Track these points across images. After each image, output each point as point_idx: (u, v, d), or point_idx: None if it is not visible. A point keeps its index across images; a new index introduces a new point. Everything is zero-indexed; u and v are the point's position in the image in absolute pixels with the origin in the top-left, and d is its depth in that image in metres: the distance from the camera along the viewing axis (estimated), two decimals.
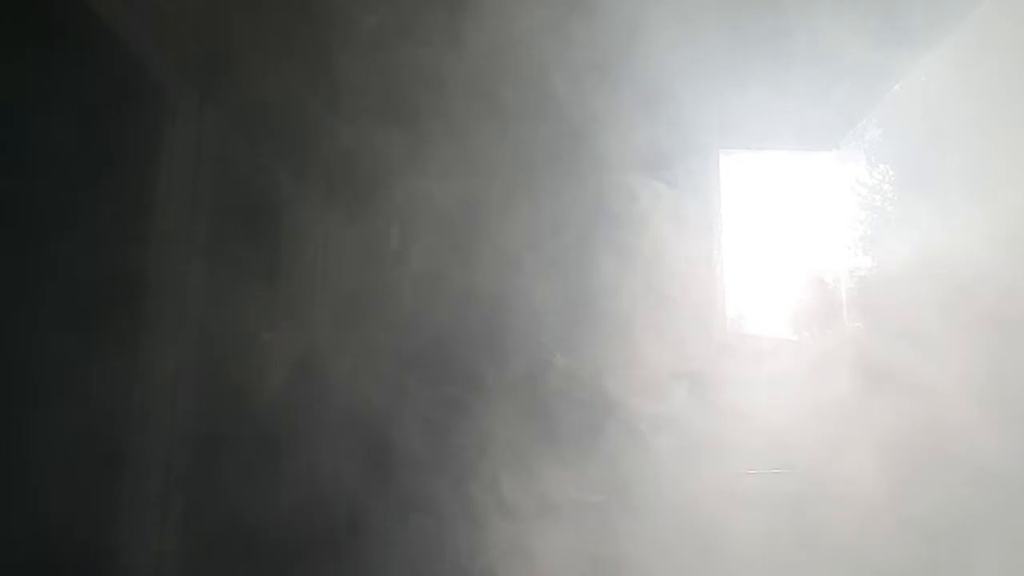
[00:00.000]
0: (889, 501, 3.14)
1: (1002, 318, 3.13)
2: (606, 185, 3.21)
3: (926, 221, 3.49)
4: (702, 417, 3.11)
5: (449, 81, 3.01)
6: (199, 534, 2.63)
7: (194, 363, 2.70)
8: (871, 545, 3.04)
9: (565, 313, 3.13)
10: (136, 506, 2.51)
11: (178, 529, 2.58)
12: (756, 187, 3.87)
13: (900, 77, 3.58)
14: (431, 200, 3.03)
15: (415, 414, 2.84)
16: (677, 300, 3.22)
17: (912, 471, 3.13)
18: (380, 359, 2.91)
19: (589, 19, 3.07)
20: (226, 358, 2.77)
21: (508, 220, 3.03)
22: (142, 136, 2.61)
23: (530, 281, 3.04)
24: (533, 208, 3.12)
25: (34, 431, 2.12)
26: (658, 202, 3.25)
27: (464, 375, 2.95)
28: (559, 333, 3.11)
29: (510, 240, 3.03)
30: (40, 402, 2.17)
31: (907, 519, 3.02)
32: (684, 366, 3.15)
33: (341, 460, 2.82)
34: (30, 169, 2.28)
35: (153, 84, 2.65)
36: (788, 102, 3.46)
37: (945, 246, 3.34)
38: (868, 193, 3.96)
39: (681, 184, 3.31)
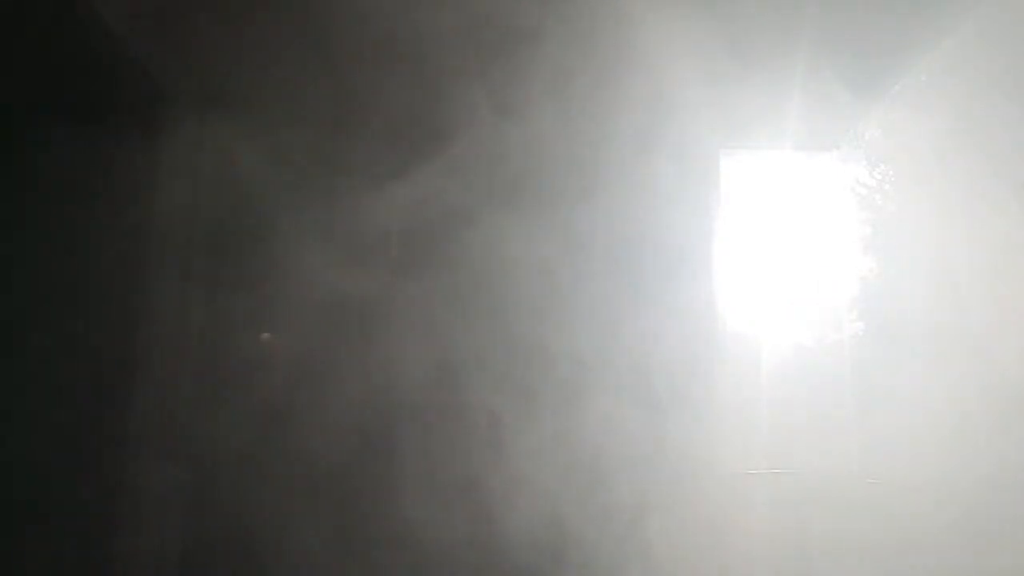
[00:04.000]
0: (888, 500, 3.14)
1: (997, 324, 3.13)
2: (604, 186, 3.22)
3: (926, 221, 3.49)
4: (701, 417, 3.11)
5: (461, 89, 3.01)
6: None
7: (193, 367, 2.71)
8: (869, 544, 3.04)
9: (564, 312, 3.13)
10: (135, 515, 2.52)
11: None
12: (756, 187, 3.86)
13: (900, 77, 3.57)
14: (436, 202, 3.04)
15: None
16: (676, 300, 3.22)
17: (912, 470, 3.14)
18: (382, 366, 2.91)
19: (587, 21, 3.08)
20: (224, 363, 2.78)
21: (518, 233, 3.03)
22: (142, 140, 2.61)
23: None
24: (536, 217, 3.13)
25: (34, 435, 2.12)
26: (658, 202, 3.25)
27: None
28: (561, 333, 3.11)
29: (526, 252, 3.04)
30: (40, 406, 2.17)
31: (907, 519, 3.02)
32: (684, 366, 3.15)
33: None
34: (29, 170, 2.28)
35: (153, 87, 2.66)
36: (788, 102, 3.46)
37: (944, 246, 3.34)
38: (868, 193, 3.96)
39: (681, 184, 3.31)
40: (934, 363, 3.23)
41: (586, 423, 2.97)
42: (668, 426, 3.03)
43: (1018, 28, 3.30)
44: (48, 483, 2.17)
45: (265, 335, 3.03)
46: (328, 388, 2.86)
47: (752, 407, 3.40)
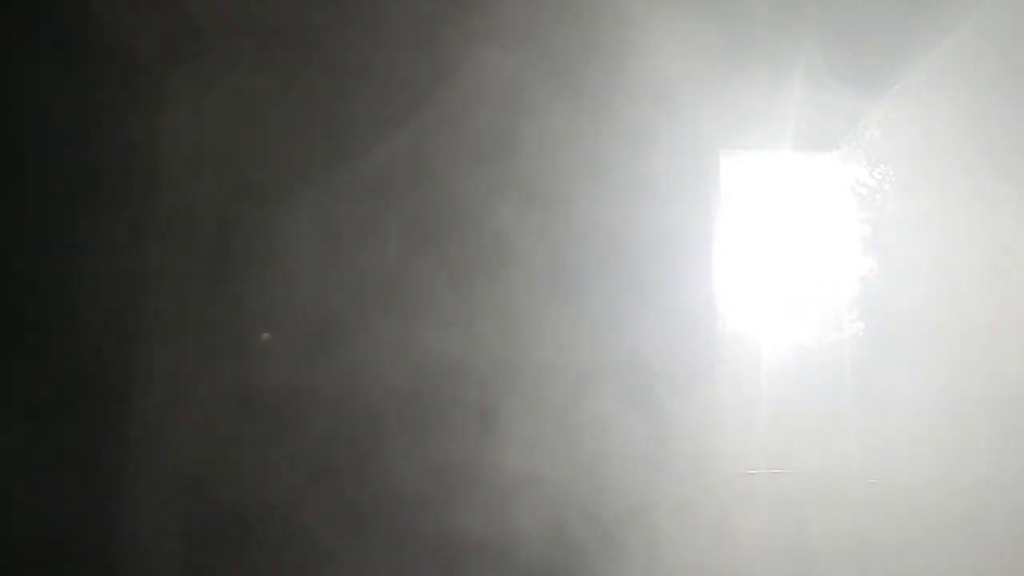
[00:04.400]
0: (888, 500, 3.14)
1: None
2: (605, 186, 3.22)
3: (926, 221, 3.49)
4: (701, 417, 3.11)
5: (462, 71, 3.01)
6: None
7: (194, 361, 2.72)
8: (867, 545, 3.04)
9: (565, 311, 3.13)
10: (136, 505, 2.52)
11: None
12: (756, 187, 3.86)
13: (900, 77, 3.57)
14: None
15: None
16: (677, 300, 3.22)
17: (912, 470, 3.14)
18: (380, 359, 2.91)
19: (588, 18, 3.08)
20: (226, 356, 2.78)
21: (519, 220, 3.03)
22: (141, 133, 2.61)
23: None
24: (536, 216, 3.13)
25: (33, 431, 2.12)
26: (658, 202, 3.25)
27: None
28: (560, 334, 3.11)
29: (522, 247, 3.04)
30: (39, 399, 2.17)
31: (907, 519, 3.02)
32: (684, 366, 3.15)
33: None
34: (29, 167, 2.28)
35: (151, 82, 2.66)
36: (788, 102, 3.46)
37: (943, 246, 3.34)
38: (868, 193, 3.96)
39: (681, 184, 3.31)
40: (934, 363, 3.23)
41: (586, 423, 2.96)
42: (668, 426, 3.02)
43: (1018, 28, 3.31)
44: (48, 477, 2.17)
45: (265, 335, 3.03)
46: (326, 381, 2.86)
47: (752, 407, 3.39)
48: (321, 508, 2.76)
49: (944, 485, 3.01)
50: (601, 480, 2.92)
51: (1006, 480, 3.02)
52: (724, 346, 3.46)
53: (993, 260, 3.31)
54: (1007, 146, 3.33)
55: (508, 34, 3.01)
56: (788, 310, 3.76)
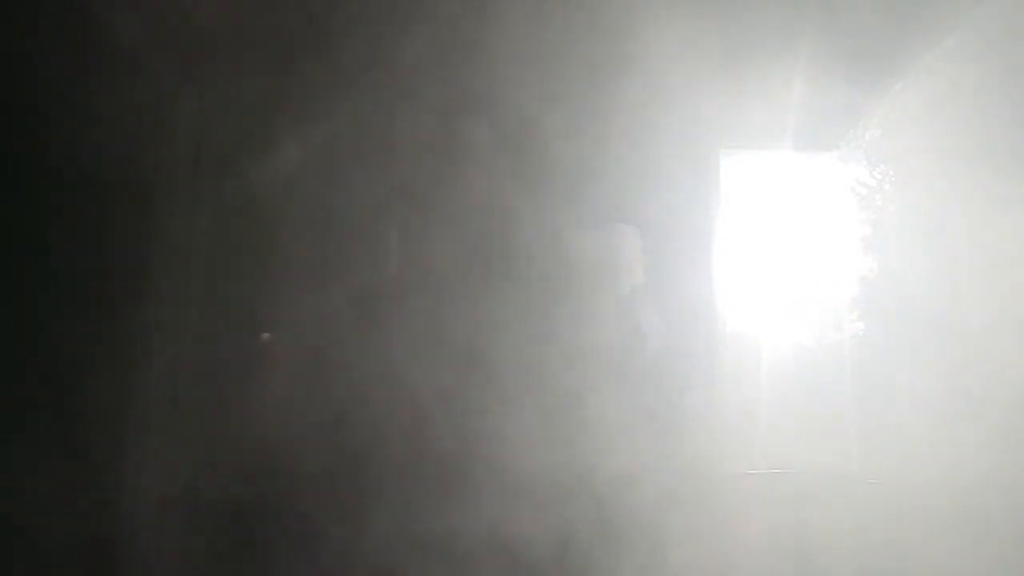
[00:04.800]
0: (888, 500, 3.14)
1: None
2: (604, 185, 3.22)
3: (926, 221, 3.49)
4: (701, 417, 3.11)
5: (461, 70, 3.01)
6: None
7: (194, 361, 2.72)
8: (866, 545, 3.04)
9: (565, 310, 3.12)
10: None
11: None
12: (756, 187, 3.86)
13: (900, 77, 3.58)
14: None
15: None
16: (676, 300, 3.22)
17: (912, 470, 3.14)
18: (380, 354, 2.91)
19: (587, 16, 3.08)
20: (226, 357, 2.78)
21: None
22: (141, 134, 2.62)
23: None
24: (536, 213, 3.13)
25: (33, 427, 2.13)
26: (657, 202, 3.25)
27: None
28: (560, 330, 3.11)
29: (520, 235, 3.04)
30: (40, 396, 2.18)
31: (907, 518, 3.02)
32: (684, 366, 3.15)
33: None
34: (28, 169, 2.29)
35: (151, 82, 2.67)
36: (788, 102, 3.46)
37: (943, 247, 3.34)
38: (868, 193, 3.96)
39: (681, 184, 3.31)
40: (934, 363, 3.23)
41: (585, 423, 2.96)
42: (668, 426, 3.02)
43: (1018, 28, 3.31)
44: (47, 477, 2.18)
45: (265, 335, 3.03)
46: (327, 377, 2.87)
47: (752, 407, 3.40)
48: (321, 506, 2.76)
49: (944, 485, 3.01)
50: (600, 480, 2.92)
51: (1006, 480, 3.01)
52: (724, 346, 3.46)
53: (993, 260, 3.30)
54: (1007, 146, 3.32)
55: (508, 33, 3.01)
56: (788, 310, 3.76)
